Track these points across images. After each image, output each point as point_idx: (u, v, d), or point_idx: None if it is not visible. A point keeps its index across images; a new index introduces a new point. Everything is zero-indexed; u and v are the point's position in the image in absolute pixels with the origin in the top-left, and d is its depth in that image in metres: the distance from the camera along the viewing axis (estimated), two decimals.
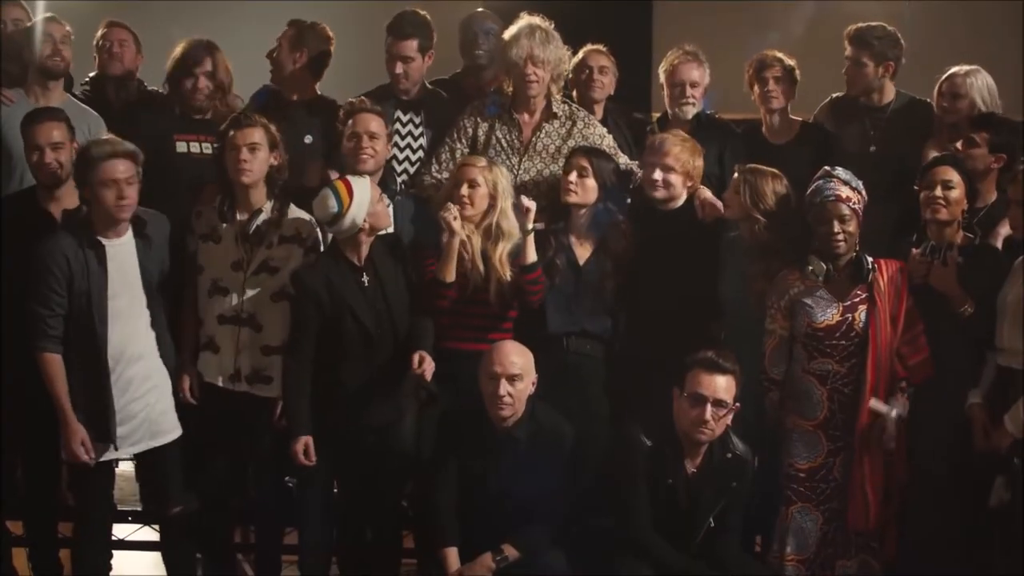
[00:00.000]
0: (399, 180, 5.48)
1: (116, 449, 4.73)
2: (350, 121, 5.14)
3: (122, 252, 4.75)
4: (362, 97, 5.30)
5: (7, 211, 4.98)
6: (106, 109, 5.72)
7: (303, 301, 4.84)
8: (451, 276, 4.95)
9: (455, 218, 4.94)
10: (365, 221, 4.81)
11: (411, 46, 5.59)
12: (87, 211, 4.74)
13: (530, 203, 4.98)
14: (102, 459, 4.73)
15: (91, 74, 6.10)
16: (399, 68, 5.59)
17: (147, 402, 4.78)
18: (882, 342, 4.82)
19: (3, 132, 5.35)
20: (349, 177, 4.90)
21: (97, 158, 4.67)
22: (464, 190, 5.01)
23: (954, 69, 5.47)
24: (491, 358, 4.75)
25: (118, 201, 4.66)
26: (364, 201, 4.80)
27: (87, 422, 4.67)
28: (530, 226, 4.97)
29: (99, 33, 6.02)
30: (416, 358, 4.79)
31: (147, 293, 4.79)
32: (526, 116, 5.43)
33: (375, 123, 5.13)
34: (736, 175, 5.13)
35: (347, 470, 4.93)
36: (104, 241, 4.71)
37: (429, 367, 4.79)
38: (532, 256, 4.99)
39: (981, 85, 5.42)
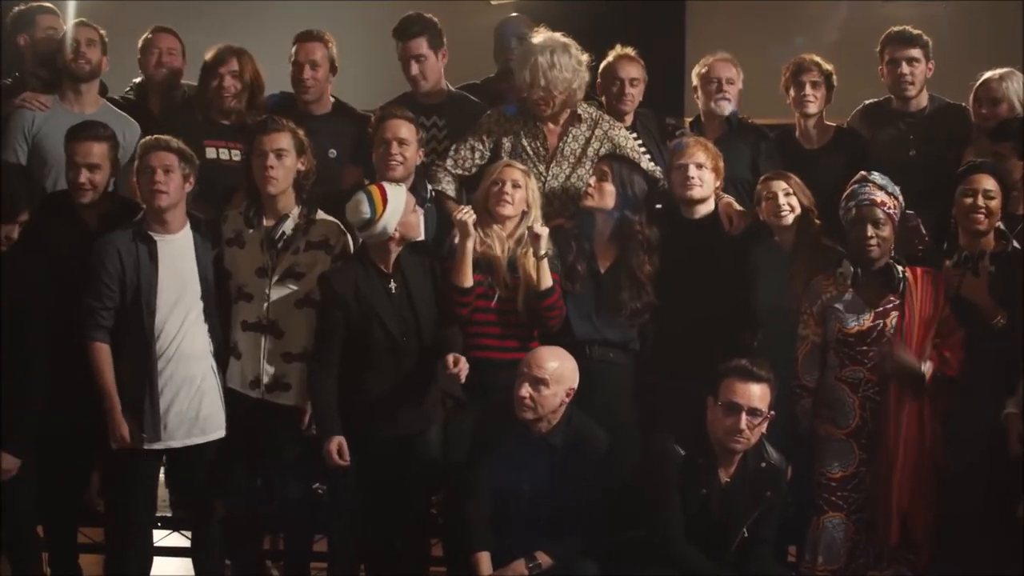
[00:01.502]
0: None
1: (160, 440, 4.79)
2: (380, 127, 5.12)
3: (176, 248, 4.84)
4: (393, 102, 5.29)
5: (43, 211, 4.97)
6: (148, 116, 5.72)
7: (330, 305, 4.81)
8: (468, 281, 4.90)
9: (471, 218, 4.89)
10: (396, 230, 4.79)
11: (421, 44, 5.58)
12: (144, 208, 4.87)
13: (541, 229, 4.92)
14: (146, 448, 4.80)
15: (136, 79, 6.08)
16: (414, 69, 5.57)
17: (195, 400, 4.84)
18: (911, 349, 4.78)
19: (38, 137, 5.38)
20: (385, 184, 4.87)
21: (141, 152, 4.83)
22: (508, 188, 4.99)
23: (988, 74, 5.42)
24: (526, 359, 4.74)
25: (152, 187, 4.75)
26: (398, 210, 4.77)
27: (131, 414, 4.76)
28: (542, 251, 4.91)
29: (145, 37, 5.98)
30: (451, 359, 4.74)
31: (203, 289, 4.86)
32: (550, 124, 5.37)
33: (405, 129, 5.10)
34: (767, 187, 5.10)
35: (374, 478, 4.89)
36: (156, 237, 4.80)
37: (464, 368, 4.74)
38: (548, 281, 4.94)
39: (1017, 87, 5.37)
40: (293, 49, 5.60)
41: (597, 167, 5.17)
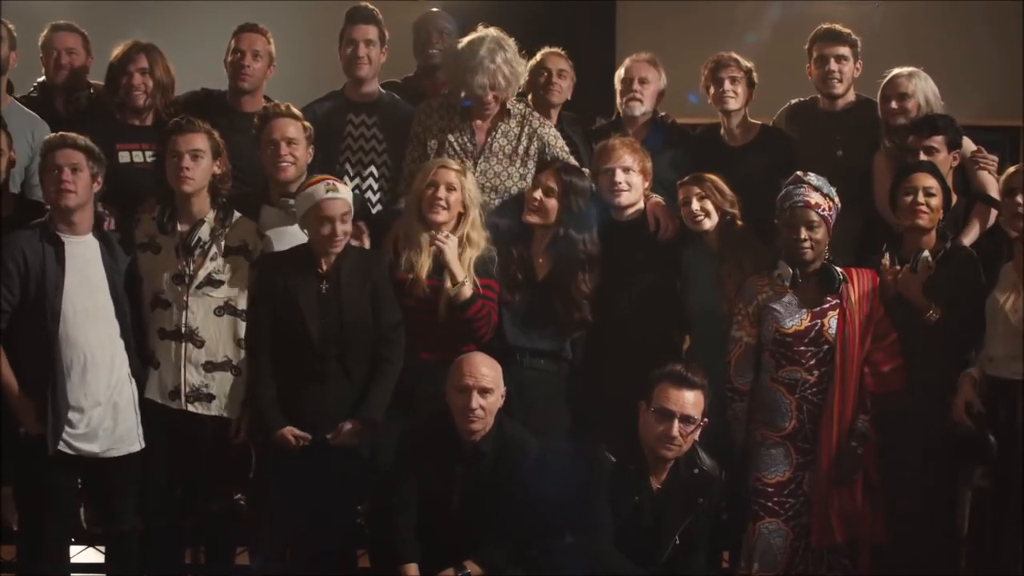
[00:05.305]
0: (354, 179, 5.42)
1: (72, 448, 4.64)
2: (266, 128, 4.98)
3: (84, 251, 4.70)
4: (276, 102, 5.16)
5: None
6: (54, 116, 5.56)
7: (260, 296, 4.78)
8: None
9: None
10: None
11: (372, 30, 5.53)
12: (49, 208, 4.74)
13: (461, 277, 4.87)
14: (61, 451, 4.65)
15: (40, 79, 5.91)
16: (361, 50, 5.49)
17: (110, 412, 4.70)
18: (851, 350, 4.77)
19: None
20: (337, 181, 4.82)
21: (45, 149, 4.70)
22: (442, 192, 4.91)
23: (896, 71, 5.40)
24: (461, 370, 4.65)
25: (59, 186, 4.62)
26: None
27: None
28: (460, 276, 4.86)
29: (43, 36, 5.79)
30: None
31: (114, 298, 4.72)
32: (478, 121, 5.28)
33: (293, 128, 4.97)
34: (683, 193, 5.06)
35: (300, 486, 4.79)
36: (64, 238, 4.66)
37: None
38: (466, 293, 4.88)
39: (925, 86, 5.36)
40: (232, 41, 5.49)
41: (543, 181, 5.06)
